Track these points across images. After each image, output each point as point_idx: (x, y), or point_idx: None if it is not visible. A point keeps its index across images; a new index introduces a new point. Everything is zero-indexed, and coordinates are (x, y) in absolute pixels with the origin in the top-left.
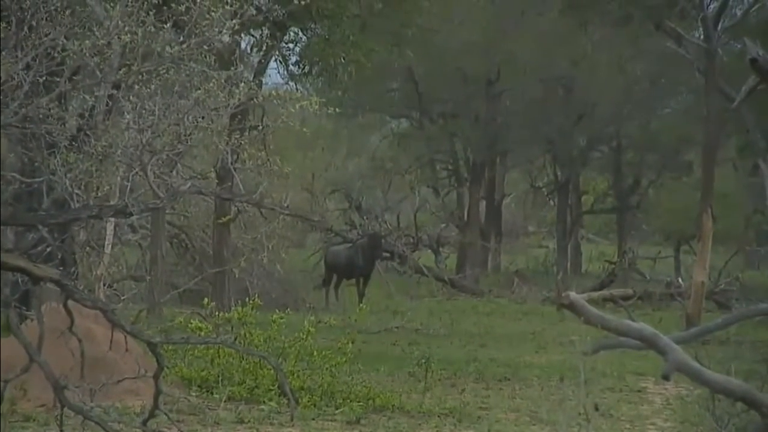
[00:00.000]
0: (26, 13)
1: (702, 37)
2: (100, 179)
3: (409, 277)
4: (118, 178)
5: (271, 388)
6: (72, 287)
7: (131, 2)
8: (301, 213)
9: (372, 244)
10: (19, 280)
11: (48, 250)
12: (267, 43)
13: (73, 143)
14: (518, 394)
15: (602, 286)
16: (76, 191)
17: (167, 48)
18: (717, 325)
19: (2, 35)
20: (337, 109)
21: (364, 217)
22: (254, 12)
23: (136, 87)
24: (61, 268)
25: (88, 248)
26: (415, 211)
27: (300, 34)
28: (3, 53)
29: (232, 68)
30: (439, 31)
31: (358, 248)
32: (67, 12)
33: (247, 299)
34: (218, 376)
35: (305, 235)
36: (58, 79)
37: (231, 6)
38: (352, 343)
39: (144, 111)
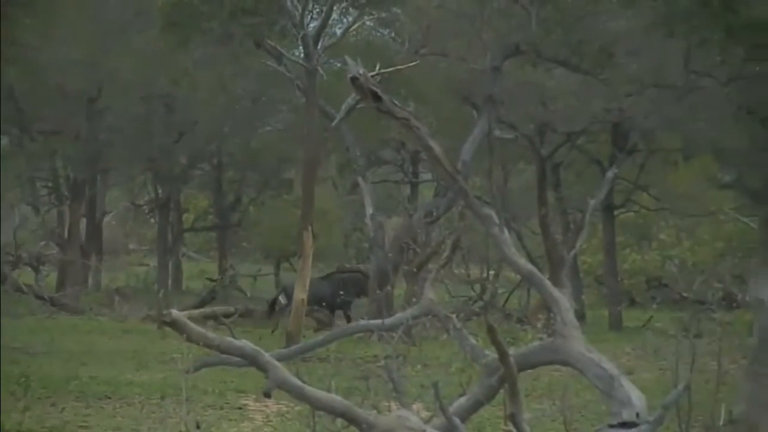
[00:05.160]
0: None
1: (302, 55)
2: None
3: (9, 295)
4: None
5: None
6: None
7: None
8: None
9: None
10: None
11: None
12: None
13: None
14: (119, 413)
15: (203, 304)
16: None
17: None
18: (318, 342)
19: None
20: None
21: None
22: None
23: None
24: None
25: None
26: (14, 228)
27: None
28: None
29: None
30: (39, 47)
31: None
32: None
33: None
34: None
35: None
36: None
37: None
38: None
39: None
